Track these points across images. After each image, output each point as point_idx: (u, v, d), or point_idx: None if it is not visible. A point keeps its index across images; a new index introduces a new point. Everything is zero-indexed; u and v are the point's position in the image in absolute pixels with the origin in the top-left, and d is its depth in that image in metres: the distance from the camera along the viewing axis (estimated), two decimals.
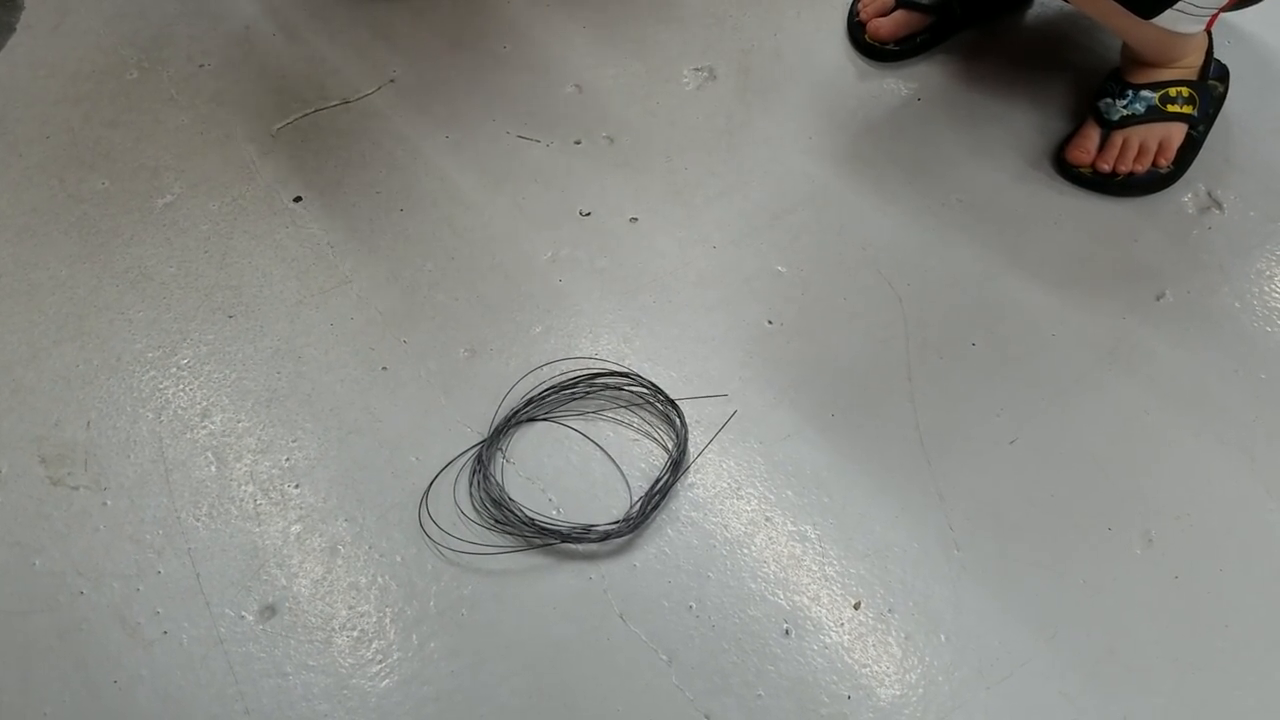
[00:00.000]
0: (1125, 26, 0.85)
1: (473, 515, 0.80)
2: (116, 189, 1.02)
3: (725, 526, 0.79)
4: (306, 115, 1.06)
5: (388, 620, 0.77)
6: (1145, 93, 0.89)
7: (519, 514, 0.79)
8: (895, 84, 1.02)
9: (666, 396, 0.85)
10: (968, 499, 0.78)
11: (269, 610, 0.78)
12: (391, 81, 1.08)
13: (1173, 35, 0.83)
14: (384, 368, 0.89)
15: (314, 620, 0.77)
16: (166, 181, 1.02)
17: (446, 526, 0.80)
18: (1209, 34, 0.90)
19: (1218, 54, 0.93)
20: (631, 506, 0.80)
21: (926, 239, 0.91)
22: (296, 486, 0.83)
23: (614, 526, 0.79)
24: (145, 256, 0.97)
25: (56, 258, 0.98)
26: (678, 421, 0.83)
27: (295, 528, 0.81)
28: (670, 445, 0.82)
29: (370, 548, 0.80)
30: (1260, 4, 0.87)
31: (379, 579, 0.79)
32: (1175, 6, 0.79)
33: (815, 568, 0.77)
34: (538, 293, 0.92)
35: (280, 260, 0.96)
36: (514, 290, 0.92)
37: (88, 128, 1.07)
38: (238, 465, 0.84)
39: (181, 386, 0.89)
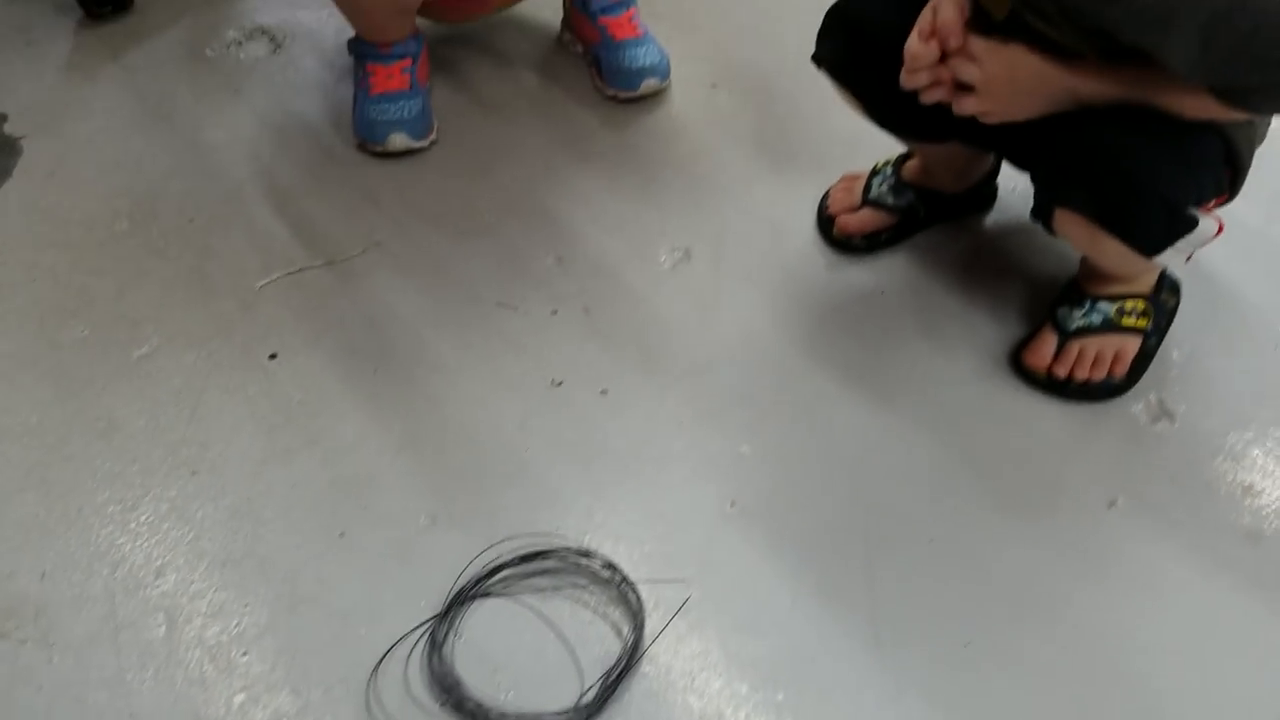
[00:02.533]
0: (1113, 262, 0.88)
1: (421, 695, 0.79)
2: (95, 337, 1.04)
3: None
4: (290, 274, 1.08)
5: None
6: (1102, 304, 0.93)
7: (468, 699, 0.78)
8: (861, 276, 1.06)
9: (624, 577, 0.85)
10: (924, 699, 0.78)
11: None
12: (377, 244, 1.11)
13: (1146, 266, 0.87)
14: (342, 533, 0.89)
15: None
16: (145, 332, 1.04)
17: (393, 708, 0.79)
18: None
19: (1172, 267, 0.97)
20: (583, 695, 0.79)
21: (887, 433, 0.93)
22: (244, 654, 0.82)
23: (563, 717, 0.78)
24: (117, 407, 0.98)
25: (29, 403, 0.99)
26: (635, 603, 0.83)
27: (239, 697, 0.80)
28: (626, 630, 0.82)
29: None
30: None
31: None
32: (1174, 246, 0.82)
33: None
34: (504, 462, 0.93)
35: (250, 417, 0.97)
36: (480, 458, 0.93)
37: (73, 274, 1.09)
38: (187, 628, 0.83)
39: (139, 543, 0.89)
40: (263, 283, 1.08)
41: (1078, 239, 0.86)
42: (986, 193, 1.09)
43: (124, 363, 1.02)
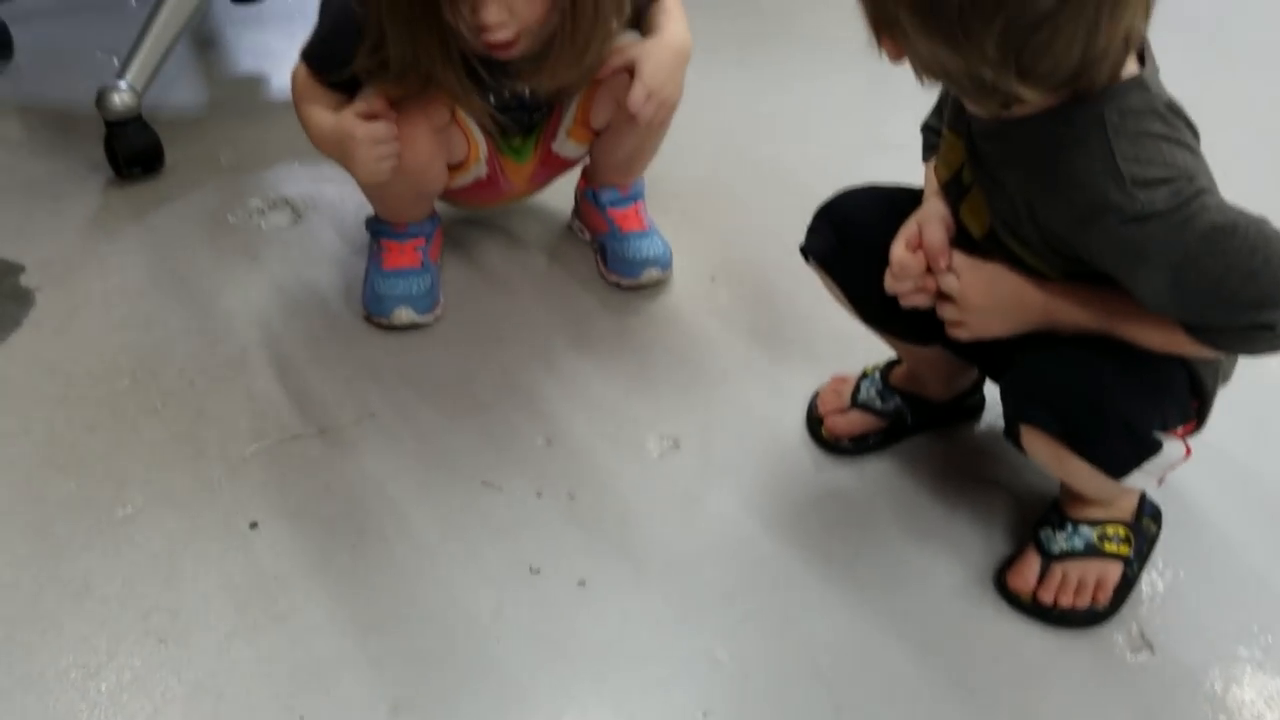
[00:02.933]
0: (1083, 483, 0.89)
1: None
2: (81, 495, 1.04)
3: None
4: (282, 442, 1.10)
5: None
6: (1084, 529, 0.93)
7: None
8: (849, 480, 1.06)
9: None
10: None
11: None
12: (371, 416, 1.13)
13: (1119, 488, 0.87)
14: (301, 716, 0.87)
15: None
16: (131, 493, 1.04)
17: None
18: None
19: (1154, 494, 0.97)
20: None
21: (869, 648, 0.91)
22: None
23: None
24: (93, 568, 0.98)
25: (5, 558, 0.98)
26: None
27: None
28: None
29: None
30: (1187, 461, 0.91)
31: None
32: (1140, 469, 0.83)
33: None
34: (474, 652, 0.91)
35: (223, 587, 0.96)
36: (450, 646, 0.92)
37: (68, 430, 1.11)
38: None
39: (96, 713, 0.87)
40: (252, 449, 1.09)
41: (1046, 458, 0.87)
42: (973, 403, 1.10)
43: (106, 523, 1.02)
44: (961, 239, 0.87)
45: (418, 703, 0.88)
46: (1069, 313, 0.82)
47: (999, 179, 0.82)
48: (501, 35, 1.03)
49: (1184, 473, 1.02)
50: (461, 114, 1.17)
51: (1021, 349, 0.86)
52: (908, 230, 0.88)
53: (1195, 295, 0.75)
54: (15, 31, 1.70)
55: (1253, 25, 1.83)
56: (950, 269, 0.85)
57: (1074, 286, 0.82)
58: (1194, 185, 0.73)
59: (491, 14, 1.01)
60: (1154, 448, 0.83)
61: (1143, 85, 0.76)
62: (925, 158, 0.96)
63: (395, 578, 0.97)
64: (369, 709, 0.87)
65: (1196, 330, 0.77)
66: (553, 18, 1.06)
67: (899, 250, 0.87)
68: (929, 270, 0.86)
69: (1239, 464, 1.05)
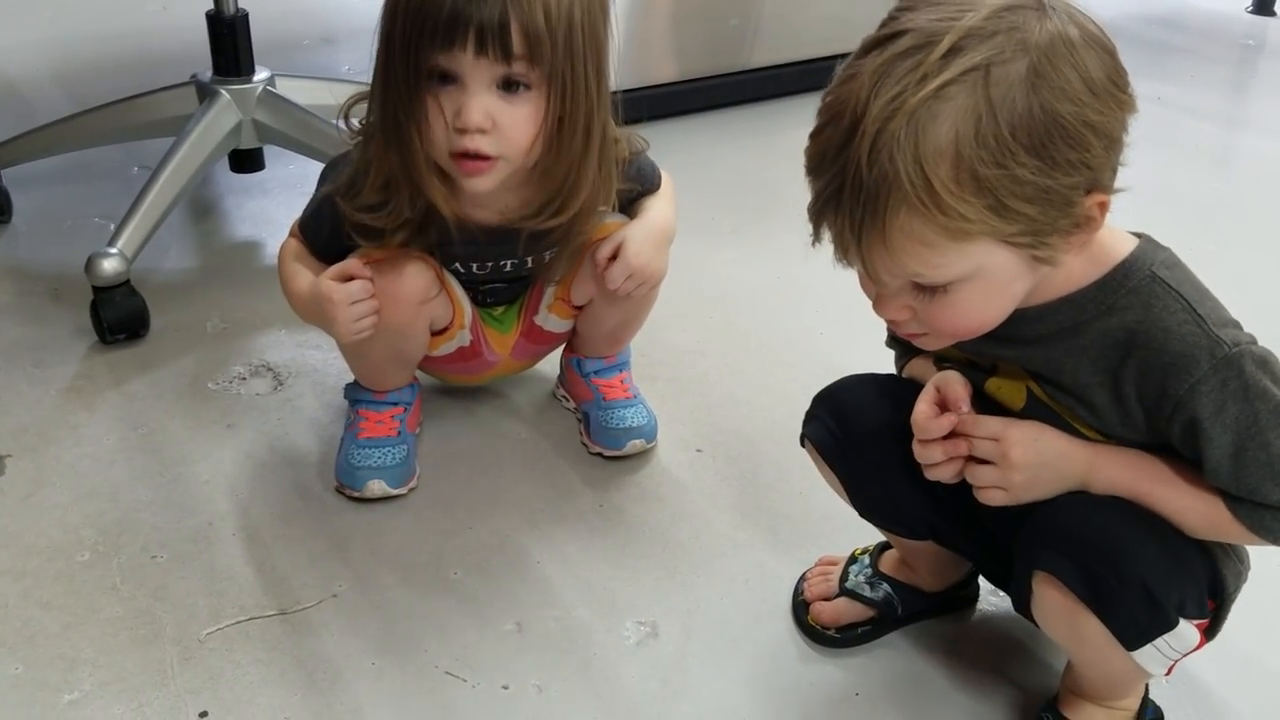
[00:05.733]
0: (1091, 654, 0.83)
1: None
2: (27, 677, 0.99)
3: None
4: (240, 623, 1.05)
5: None
6: None
7: None
8: (835, 673, 1.00)
9: None
10: None
11: None
12: (334, 596, 1.08)
13: (1132, 671, 0.82)
14: None
15: None
16: (80, 676, 0.99)
17: None
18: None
19: (1157, 693, 0.91)
20: None
21: None
22: None
23: None
24: None
25: None
26: None
27: None
28: None
29: None
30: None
31: None
32: (1154, 644, 0.78)
33: None
34: None
35: None
36: None
37: (21, 606, 1.06)
38: None
39: None
40: (210, 630, 1.04)
41: (1057, 619, 0.82)
42: (966, 594, 1.05)
43: (51, 707, 0.96)
44: (994, 412, 0.84)
45: None
46: (1112, 470, 0.80)
47: (1060, 370, 0.80)
48: (480, 144, 1.00)
49: (1192, 671, 0.97)
50: (448, 277, 1.17)
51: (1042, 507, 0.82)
52: (927, 392, 0.84)
53: (1253, 468, 0.74)
54: (15, 195, 1.73)
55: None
56: (982, 428, 0.82)
57: (1117, 447, 0.81)
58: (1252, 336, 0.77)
59: (474, 115, 0.99)
60: (1170, 622, 0.78)
61: (1157, 244, 0.79)
62: (900, 367, 0.95)
63: None
64: None
65: (1241, 505, 0.76)
66: (534, 155, 1.05)
67: (921, 412, 0.83)
68: (952, 435, 0.82)
69: (1249, 661, 0.99)
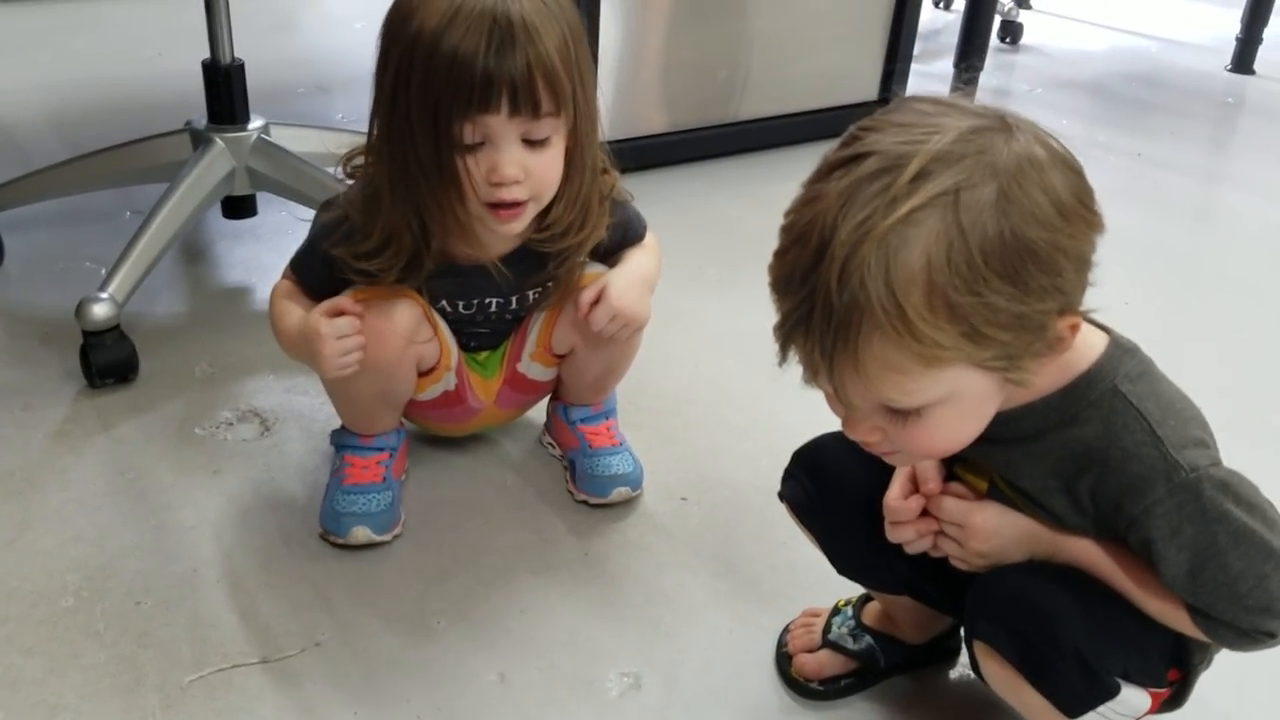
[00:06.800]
0: (1030, 708, 0.84)
1: None
2: None
3: None
4: (222, 671, 1.04)
5: None
6: None
7: None
8: None
9: None
10: None
11: None
12: (317, 645, 1.08)
13: None
14: None
15: None
16: None
17: None
18: None
19: None
20: None
21: None
22: None
23: None
24: None
25: None
26: None
27: None
28: None
29: None
30: (1180, 709, 0.86)
31: None
32: (1096, 711, 0.79)
33: None
34: None
35: None
36: None
37: (3, 652, 1.06)
38: None
39: None
40: (192, 678, 1.03)
41: (1001, 684, 0.83)
42: (949, 646, 1.05)
43: None
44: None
45: None
46: (1077, 552, 0.81)
47: (1018, 472, 0.82)
48: (515, 194, 1.03)
49: None
50: (435, 316, 1.18)
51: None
52: (898, 479, 0.87)
53: (1210, 586, 0.75)
54: (8, 239, 1.74)
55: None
56: (946, 493, 0.85)
57: (1085, 538, 0.81)
58: (1217, 453, 0.76)
59: (510, 169, 1.02)
60: (1110, 690, 0.78)
61: (1124, 347, 0.78)
62: None
63: None
64: None
65: (1199, 615, 0.77)
66: (555, 188, 1.08)
67: (893, 496, 0.86)
68: (926, 514, 0.85)
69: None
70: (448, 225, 1.08)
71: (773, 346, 0.73)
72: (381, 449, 1.25)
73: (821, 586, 1.11)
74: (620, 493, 1.27)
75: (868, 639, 1.03)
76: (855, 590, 1.07)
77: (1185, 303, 1.81)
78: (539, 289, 1.19)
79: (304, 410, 1.41)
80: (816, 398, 0.76)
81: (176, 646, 1.07)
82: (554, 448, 1.36)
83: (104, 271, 1.48)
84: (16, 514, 1.23)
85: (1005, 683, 0.82)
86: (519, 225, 1.08)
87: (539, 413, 1.38)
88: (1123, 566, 0.79)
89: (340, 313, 1.09)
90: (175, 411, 1.40)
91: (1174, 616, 0.78)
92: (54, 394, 1.42)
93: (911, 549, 0.87)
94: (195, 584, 1.14)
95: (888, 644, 1.03)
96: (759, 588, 1.16)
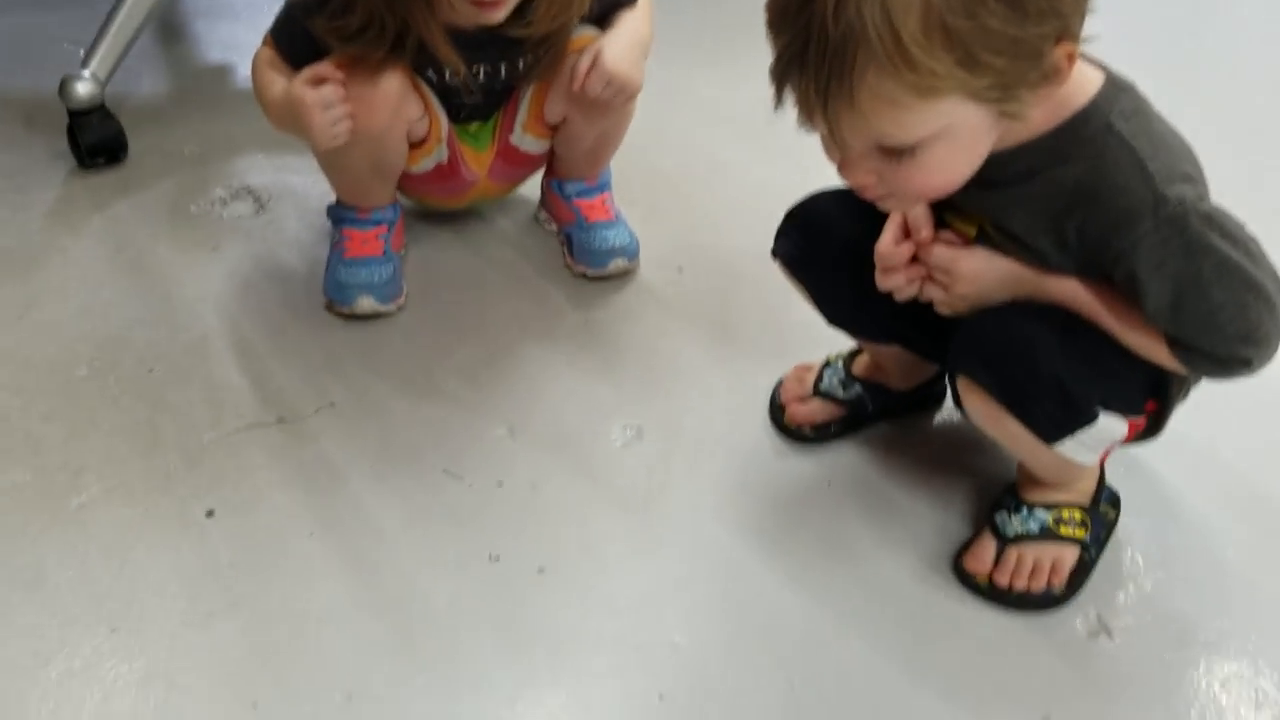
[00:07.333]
0: (1022, 448, 0.89)
1: None
2: (35, 484, 1.03)
3: None
4: (240, 431, 1.08)
5: None
6: (1039, 511, 0.93)
7: None
8: (809, 466, 1.05)
9: None
10: None
11: None
12: (331, 405, 1.12)
13: (1066, 462, 0.87)
14: (254, 704, 0.86)
15: None
16: (86, 481, 1.03)
17: None
18: (1101, 464, 0.94)
19: (1114, 481, 0.97)
20: None
21: (825, 633, 0.91)
22: None
23: None
24: (46, 556, 0.96)
25: None
26: None
27: None
28: None
29: None
30: (1157, 439, 0.91)
31: None
32: (1074, 437, 0.83)
33: None
34: (429, 639, 0.90)
35: (176, 576, 0.95)
36: (406, 634, 0.91)
37: (23, 419, 1.09)
38: None
39: (45, 700, 0.86)
40: (209, 437, 1.08)
41: (983, 417, 0.87)
42: (934, 392, 1.10)
43: (60, 512, 1.01)
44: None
45: (372, 690, 0.87)
46: (1060, 290, 0.83)
47: (1008, 215, 0.82)
48: None
49: (1148, 460, 1.03)
50: (423, 86, 1.16)
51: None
52: (891, 226, 0.88)
53: (1192, 317, 0.77)
54: None
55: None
56: (936, 240, 0.86)
57: (1070, 276, 0.83)
58: (1205, 189, 0.76)
59: None
60: (1088, 417, 0.83)
61: (1119, 85, 0.78)
62: None
63: (352, 566, 0.96)
64: (322, 697, 0.86)
65: (1179, 347, 0.79)
66: None
67: (885, 243, 0.87)
68: (914, 260, 0.87)
69: (1203, 452, 1.05)
70: (426, 18, 1.06)
71: (768, 106, 0.73)
72: (379, 222, 1.26)
73: (814, 345, 1.14)
74: (618, 264, 1.29)
75: (857, 387, 1.07)
76: (845, 347, 1.11)
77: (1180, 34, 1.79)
78: (528, 56, 1.17)
79: (297, 188, 1.41)
80: (810, 168, 0.77)
81: (192, 409, 1.11)
82: (550, 223, 1.37)
83: (82, 52, 1.44)
84: (20, 292, 1.24)
85: (987, 415, 0.87)
86: (501, 14, 1.05)
87: (534, 189, 1.38)
88: (1104, 302, 0.81)
89: (322, 80, 1.08)
90: (168, 191, 1.40)
91: (1154, 349, 0.81)
92: (44, 176, 1.41)
93: (900, 295, 0.89)
94: (205, 352, 1.17)
95: (875, 391, 1.07)
96: (754, 349, 1.20)
